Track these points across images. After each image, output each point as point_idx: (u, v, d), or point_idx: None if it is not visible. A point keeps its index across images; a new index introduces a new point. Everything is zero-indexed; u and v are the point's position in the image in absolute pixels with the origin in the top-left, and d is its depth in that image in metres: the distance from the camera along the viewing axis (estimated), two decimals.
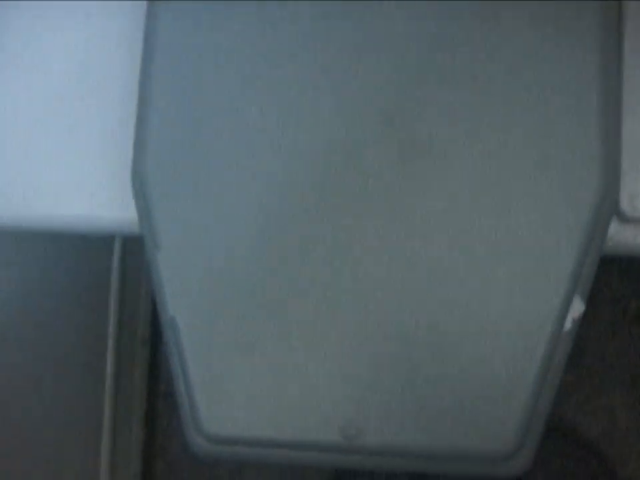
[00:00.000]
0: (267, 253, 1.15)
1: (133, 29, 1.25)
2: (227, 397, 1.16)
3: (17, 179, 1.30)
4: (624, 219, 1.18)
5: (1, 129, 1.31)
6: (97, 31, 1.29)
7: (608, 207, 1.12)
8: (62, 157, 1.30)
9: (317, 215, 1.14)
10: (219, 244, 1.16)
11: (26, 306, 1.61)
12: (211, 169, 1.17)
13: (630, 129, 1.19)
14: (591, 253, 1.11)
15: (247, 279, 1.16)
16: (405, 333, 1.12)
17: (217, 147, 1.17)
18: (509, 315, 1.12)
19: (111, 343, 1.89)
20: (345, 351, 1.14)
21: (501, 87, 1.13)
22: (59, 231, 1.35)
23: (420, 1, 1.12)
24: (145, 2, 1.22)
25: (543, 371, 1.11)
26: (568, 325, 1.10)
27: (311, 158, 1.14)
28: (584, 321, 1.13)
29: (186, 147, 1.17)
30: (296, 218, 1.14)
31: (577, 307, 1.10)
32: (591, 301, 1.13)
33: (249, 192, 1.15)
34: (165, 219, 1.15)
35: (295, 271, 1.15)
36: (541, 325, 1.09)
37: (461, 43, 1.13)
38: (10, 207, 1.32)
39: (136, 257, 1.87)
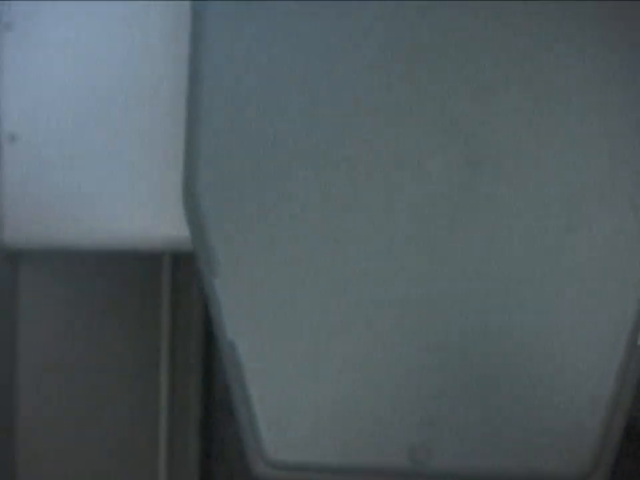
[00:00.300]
0: (329, 274, 1.11)
1: (179, 34, 1.21)
2: (290, 423, 1.13)
3: (68, 199, 1.28)
4: None
5: (52, 151, 1.29)
6: (144, 49, 1.26)
7: None
8: (111, 175, 1.27)
9: (377, 230, 1.10)
10: (278, 267, 1.12)
11: (81, 322, 1.60)
12: (269, 189, 1.12)
13: None
14: None
15: (308, 303, 1.12)
16: (477, 351, 1.09)
17: (276, 165, 1.13)
18: (583, 329, 1.09)
19: (164, 352, 1.88)
20: (412, 372, 1.10)
21: (570, 103, 1.08)
22: (110, 248, 1.33)
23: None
24: (188, 2, 1.18)
25: (618, 386, 1.07)
26: None
27: (376, 175, 1.09)
28: None
29: (240, 164, 1.13)
30: (356, 234, 1.10)
31: None
32: None
33: (310, 212, 1.11)
34: (220, 243, 1.11)
35: (358, 292, 1.11)
36: (616, 339, 1.05)
37: (534, 55, 1.08)
38: (61, 227, 1.31)
39: (187, 269, 1.85)
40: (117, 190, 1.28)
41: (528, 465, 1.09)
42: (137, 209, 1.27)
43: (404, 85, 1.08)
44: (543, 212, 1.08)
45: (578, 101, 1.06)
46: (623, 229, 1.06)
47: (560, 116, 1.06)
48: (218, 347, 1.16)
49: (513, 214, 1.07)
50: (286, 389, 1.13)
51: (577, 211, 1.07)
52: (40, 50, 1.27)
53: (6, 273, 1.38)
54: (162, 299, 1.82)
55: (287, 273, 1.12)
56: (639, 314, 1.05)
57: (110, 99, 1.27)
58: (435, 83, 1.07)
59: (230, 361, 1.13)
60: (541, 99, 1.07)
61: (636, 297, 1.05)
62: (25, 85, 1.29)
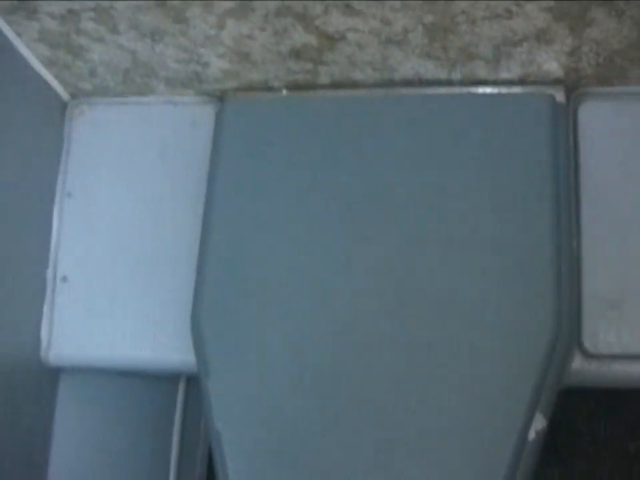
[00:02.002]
0: (306, 385, 1.43)
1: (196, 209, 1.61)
2: None
3: (105, 327, 1.65)
4: (587, 354, 1.45)
5: (94, 289, 1.67)
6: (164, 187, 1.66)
7: (564, 342, 1.40)
8: (141, 308, 1.64)
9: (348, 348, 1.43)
10: (263, 377, 1.46)
11: (102, 438, 1.91)
12: (259, 311, 1.49)
13: (591, 270, 1.48)
14: (548, 380, 1.38)
15: (287, 406, 1.44)
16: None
17: (266, 292, 1.49)
18: (477, 429, 1.36)
19: (173, 466, 2.17)
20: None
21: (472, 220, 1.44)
22: (129, 370, 1.68)
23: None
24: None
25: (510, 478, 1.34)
26: (532, 435, 1.36)
27: (344, 306, 1.45)
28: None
29: (239, 291, 1.50)
30: (332, 356, 1.44)
31: (540, 422, 1.36)
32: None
33: (289, 332, 1.46)
34: (215, 352, 1.47)
35: (335, 403, 1.41)
36: (507, 436, 1.34)
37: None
38: (82, 349, 1.67)
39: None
40: (144, 320, 1.64)
41: None
42: (153, 334, 1.63)
43: (355, 230, 1.47)
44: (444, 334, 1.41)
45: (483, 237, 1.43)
46: (513, 349, 1.38)
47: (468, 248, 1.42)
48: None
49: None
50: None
51: (474, 325, 1.41)
52: (92, 212, 1.69)
53: (47, 385, 1.71)
54: (175, 416, 2.14)
55: (271, 384, 1.46)
56: (527, 417, 1.35)
57: (144, 251, 1.67)
58: (375, 229, 1.46)
59: (215, 449, 1.46)
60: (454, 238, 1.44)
61: (524, 404, 1.36)
62: (78, 238, 1.70)
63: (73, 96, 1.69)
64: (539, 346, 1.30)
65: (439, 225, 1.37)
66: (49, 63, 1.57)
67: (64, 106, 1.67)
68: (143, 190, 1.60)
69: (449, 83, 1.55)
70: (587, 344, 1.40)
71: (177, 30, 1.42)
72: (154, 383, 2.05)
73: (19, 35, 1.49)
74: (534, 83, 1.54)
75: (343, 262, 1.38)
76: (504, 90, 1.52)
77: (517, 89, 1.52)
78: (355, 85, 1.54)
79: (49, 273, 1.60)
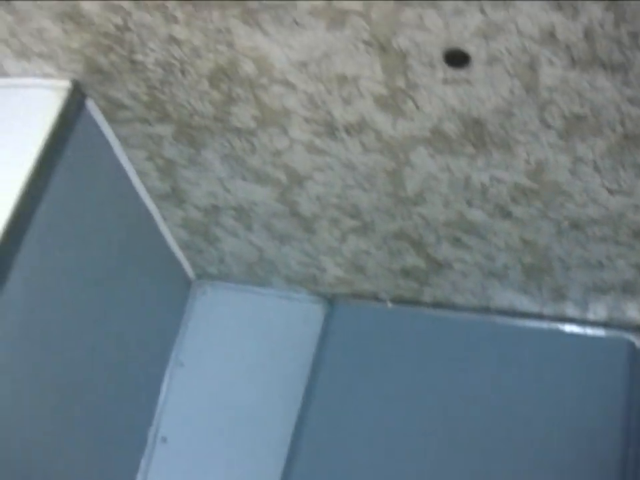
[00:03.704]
0: None
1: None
2: None
3: None
4: None
5: (192, 450, 1.81)
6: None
7: None
8: (224, 466, 1.78)
9: None
10: None
11: None
12: None
13: None
14: None
15: None
16: None
17: None
18: None
19: None
20: None
21: None
22: None
23: None
24: None
25: None
26: None
27: None
28: None
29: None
30: None
31: None
32: None
33: None
34: None
35: None
36: None
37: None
38: None
39: None
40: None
41: None
42: None
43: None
44: None
45: None
46: None
47: None
48: None
49: None
50: None
51: None
52: (201, 382, 1.86)
53: None
54: None
55: None
56: None
57: (241, 423, 1.81)
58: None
59: None
60: None
61: None
62: (183, 403, 1.86)
63: (199, 276, 1.89)
64: None
65: (506, 447, 1.49)
66: (185, 246, 1.78)
67: (189, 284, 1.88)
68: (248, 370, 1.76)
69: (539, 317, 1.70)
70: None
71: (304, 237, 1.61)
72: None
73: (164, 218, 1.71)
74: (617, 327, 1.68)
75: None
76: (589, 330, 1.66)
77: (600, 331, 1.65)
78: (453, 307, 1.70)
79: (151, 433, 1.74)
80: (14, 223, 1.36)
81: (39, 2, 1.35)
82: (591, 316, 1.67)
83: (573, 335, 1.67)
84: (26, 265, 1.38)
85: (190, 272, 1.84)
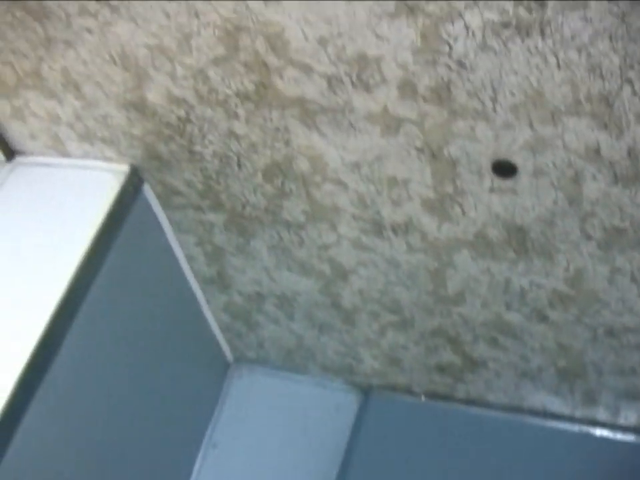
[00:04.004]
0: None
1: None
2: None
3: None
4: None
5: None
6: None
7: None
8: None
9: None
10: None
11: None
12: None
13: None
14: None
15: None
16: None
17: None
18: None
19: None
20: None
21: None
22: None
23: None
24: None
25: None
26: None
27: None
28: None
29: None
30: None
31: None
32: None
33: None
34: None
35: None
36: None
37: None
38: None
39: None
40: None
41: None
42: None
43: None
44: None
45: None
46: None
47: None
48: None
49: None
50: None
51: None
52: (233, 464, 1.89)
53: None
54: None
55: None
56: None
57: None
58: None
59: None
60: None
61: None
62: None
63: (237, 359, 1.93)
64: None
65: None
66: (226, 329, 1.83)
67: (227, 366, 1.92)
68: (280, 454, 1.79)
69: (570, 419, 1.72)
70: None
71: (343, 328, 1.66)
72: None
73: (208, 302, 1.76)
74: None
75: None
76: (619, 435, 1.68)
77: (631, 436, 1.67)
78: (486, 404, 1.73)
79: None
80: (68, 299, 1.41)
81: (107, 90, 1.42)
82: (622, 421, 1.68)
83: (603, 439, 1.68)
84: (74, 342, 1.42)
85: (229, 355, 1.88)
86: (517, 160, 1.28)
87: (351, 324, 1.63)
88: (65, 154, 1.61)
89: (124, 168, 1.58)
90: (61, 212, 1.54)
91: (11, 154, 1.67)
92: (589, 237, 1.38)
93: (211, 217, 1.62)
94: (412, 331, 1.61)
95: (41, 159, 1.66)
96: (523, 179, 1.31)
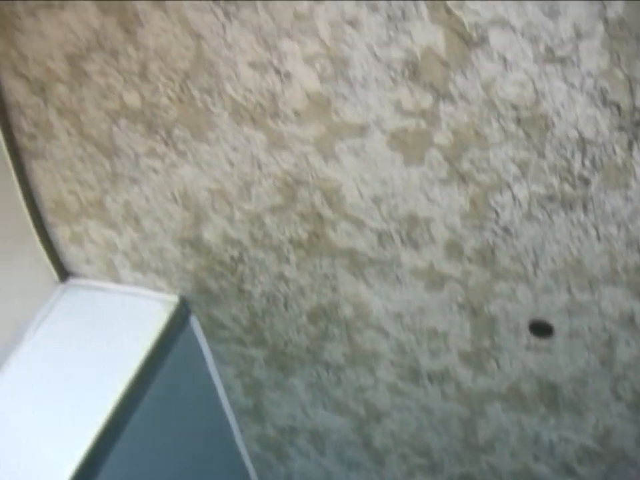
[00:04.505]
0: None
1: None
2: None
3: None
4: None
5: None
6: None
7: None
8: None
9: None
10: None
11: None
12: None
13: None
14: None
15: None
16: None
17: None
18: None
19: None
20: None
21: None
22: None
23: None
24: None
25: None
26: None
27: None
28: None
29: None
30: None
31: None
32: None
33: None
34: None
35: None
36: None
37: None
38: None
39: None
40: None
41: None
42: None
43: None
44: None
45: None
46: None
47: None
48: None
49: None
50: None
51: None
52: None
53: None
54: None
55: None
56: None
57: None
58: None
59: None
60: None
61: None
62: None
63: None
64: None
65: None
66: (256, 459, 1.86)
67: None
68: None
69: None
70: None
71: (372, 467, 1.70)
72: None
73: (241, 431, 1.80)
74: None
75: None
76: None
77: None
78: None
79: None
80: (112, 422, 1.46)
81: (165, 226, 1.51)
82: None
83: None
84: (115, 463, 1.47)
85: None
86: (554, 321, 1.34)
87: (380, 464, 1.67)
88: (117, 280, 1.69)
89: (173, 299, 1.65)
90: (111, 337, 1.61)
91: (65, 275, 1.74)
92: (619, 398, 1.42)
93: (253, 351, 1.68)
94: (440, 475, 1.64)
95: (93, 282, 1.73)
96: (559, 339, 1.37)
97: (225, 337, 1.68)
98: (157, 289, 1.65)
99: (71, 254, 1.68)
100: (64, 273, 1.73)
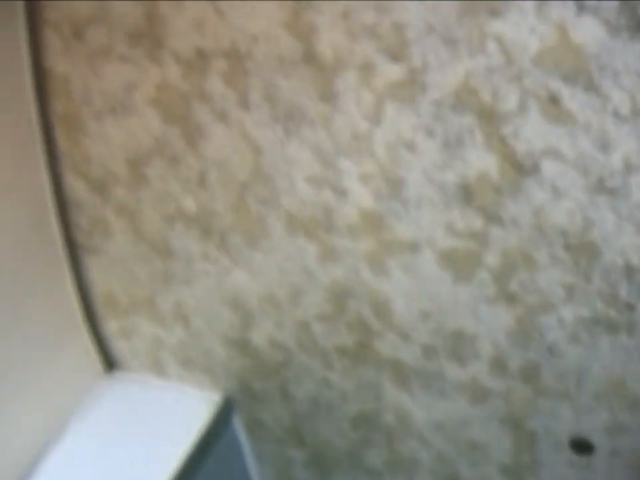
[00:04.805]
0: None
1: None
2: None
3: None
4: None
5: None
6: None
7: None
8: None
9: None
10: None
11: None
12: None
13: None
14: None
15: None
16: None
17: None
18: None
19: None
20: None
21: None
22: None
23: None
24: None
25: None
26: None
27: None
28: None
29: None
30: None
31: None
32: None
33: None
34: None
35: None
36: None
37: None
38: None
39: None
40: None
41: None
42: None
43: None
44: None
45: None
46: None
47: None
48: None
49: None
50: None
51: None
52: None
53: None
54: None
55: None
56: None
57: None
58: None
59: None
60: None
61: None
62: None
63: None
64: None
65: None
66: None
67: None
68: None
69: None
70: None
71: None
72: None
73: None
74: None
75: None
76: None
77: None
78: None
79: None
80: None
81: (213, 327, 1.55)
82: None
83: None
84: None
85: None
86: (595, 440, 1.36)
87: None
88: (162, 375, 1.72)
89: (217, 397, 1.68)
90: (153, 433, 1.64)
91: (110, 367, 1.78)
92: None
93: (293, 453, 1.70)
94: None
95: (137, 376, 1.77)
96: (599, 457, 1.38)
97: (266, 437, 1.70)
98: (202, 386, 1.68)
99: (118, 347, 1.72)
100: (110, 364, 1.77)
